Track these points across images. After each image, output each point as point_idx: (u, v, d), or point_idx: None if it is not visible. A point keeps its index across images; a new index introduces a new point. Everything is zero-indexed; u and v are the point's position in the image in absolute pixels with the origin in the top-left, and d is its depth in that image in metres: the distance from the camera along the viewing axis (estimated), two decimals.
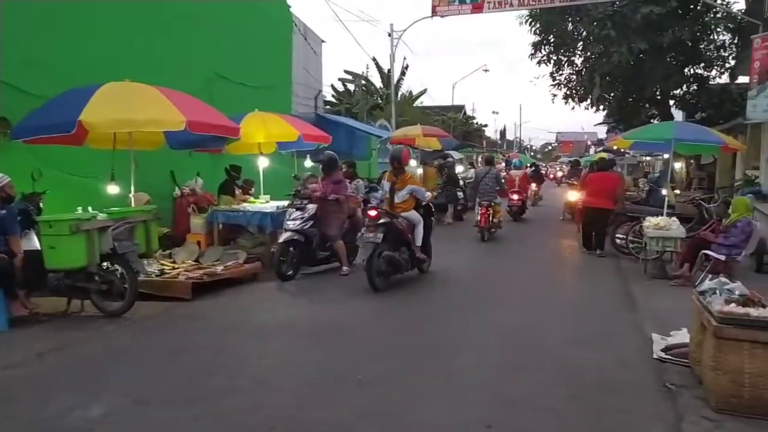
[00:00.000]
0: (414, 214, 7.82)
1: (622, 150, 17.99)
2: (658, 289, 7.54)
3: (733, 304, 3.87)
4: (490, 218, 11.75)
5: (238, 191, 9.63)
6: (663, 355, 4.81)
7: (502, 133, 74.07)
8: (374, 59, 29.94)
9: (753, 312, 3.73)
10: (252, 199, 9.54)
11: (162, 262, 7.35)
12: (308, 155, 11.87)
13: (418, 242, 7.81)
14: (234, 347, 5.20)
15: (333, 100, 29.16)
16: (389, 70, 23.79)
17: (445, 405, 3.94)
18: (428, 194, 8.26)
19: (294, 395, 4.10)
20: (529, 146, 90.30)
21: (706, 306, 4.07)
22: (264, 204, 9.10)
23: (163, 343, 5.26)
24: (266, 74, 13.02)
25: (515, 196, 15.35)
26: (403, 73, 28.82)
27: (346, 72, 29.73)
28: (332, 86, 29.62)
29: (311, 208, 8.03)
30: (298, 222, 7.90)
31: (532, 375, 4.49)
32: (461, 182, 17.15)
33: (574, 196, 14.31)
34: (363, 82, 28.17)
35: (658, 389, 4.20)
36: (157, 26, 9.64)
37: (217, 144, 8.19)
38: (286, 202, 8.49)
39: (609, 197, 10.17)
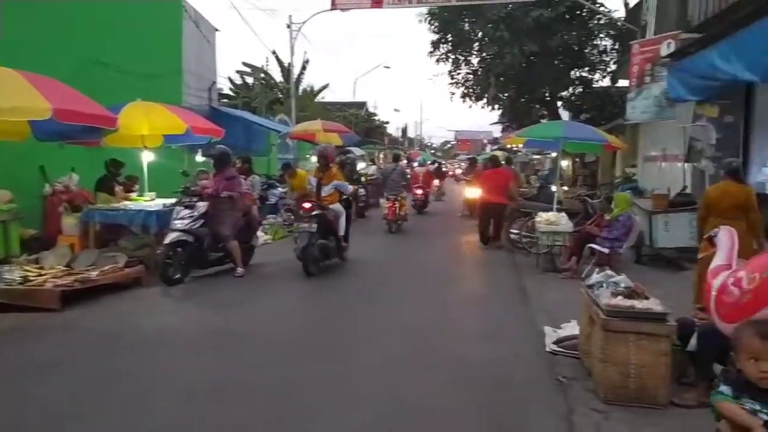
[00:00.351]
0: (338, 207, 8.57)
1: (514, 148, 18.79)
2: (549, 282, 7.81)
3: (619, 297, 3.97)
4: (397, 211, 12.54)
5: (118, 188, 8.84)
6: (555, 348, 4.91)
7: (404, 130, 75.23)
8: (274, 52, 29.17)
9: (638, 304, 3.85)
10: (135, 196, 8.80)
11: (26, 268, 6.52)
12: (199, 150, 11.20)
13: (342, 231, 8.56)
14: (108, 360, 4.66)
15: (231, 93, 28.09)
16: (289, 64, 23.24)
17: (342, 411, 3.73)
18: (351, 188, 8.95)
19: (175, 411, 3.71)
20: (429, 144, 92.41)
21: (594, 299, 4.16)
22: (149, 202, 8.41)
23: (22, 360, 4.62)
24: (154, 62, 12.13)
25: (419, 191, 16.42)
26: (303, 68, 28.31)
27: (245, 64, 28.75)
28: (230, 79, 28.54)
29: (201, 206, 7.52)
30: (186, 221, 7.37)
31: (431, 375, 4.39)
32: (363, 179, 17.11)
33: (471, 192, 14.80)
34: (262, 75, 27.33)
35: (551, 383, 4.25)
36: (24, 6, 8.62)
37: (93, 136, 7.40)
38: (173, 200, 7.89)
39: (502, 193, 10.60)
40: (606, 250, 7.74)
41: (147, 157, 9.11)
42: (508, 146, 16.90)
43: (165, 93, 11.26)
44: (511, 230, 10.57)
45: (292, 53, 21.88)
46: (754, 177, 9.05)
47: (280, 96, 26.79)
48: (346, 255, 8.85)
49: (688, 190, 9.06)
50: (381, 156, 30.48)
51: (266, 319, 5.94)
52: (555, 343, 4.99)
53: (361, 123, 37.59)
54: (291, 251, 8.00)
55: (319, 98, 31.85)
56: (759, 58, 5.87)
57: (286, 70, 26.98)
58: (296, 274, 7.76)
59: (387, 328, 5.64)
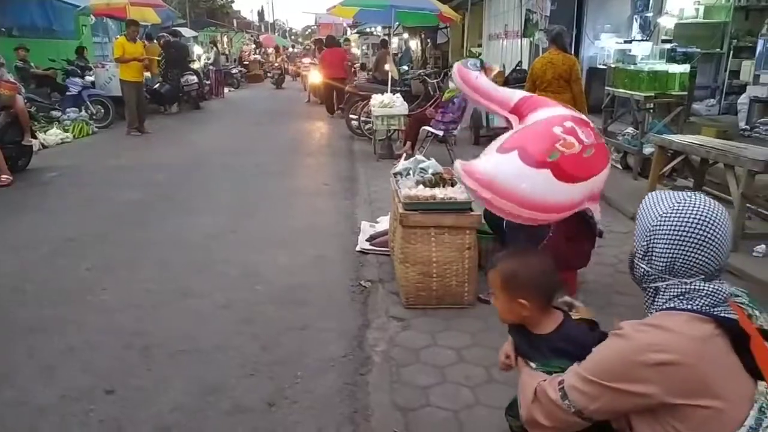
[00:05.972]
0: None
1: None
2: (383, 170, 7.16)
3: (420, 186, 3.36)
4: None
5: None
6: (367, 246, 4.33)
7: (260, 13, 69.57)
8: None
9: (439, 193, 3.26)
10: None
11: None
12: None
13: None
14: None
15: None
16: None
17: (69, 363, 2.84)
18: None
19: None
20: (288, 29, 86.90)
21: (396, 190, 3.53)
22: None
23: None
24: None
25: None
26: None
27: None
28: None
29: None
30: None
31: (202, 300, 3.51)
32: (198, 64, 15.20)
33: (314, 76, 13.96)
34: None
35: (352, 289, 3.65)
36: None
37: None
38: None
39: (340, 67, 11.75)
40: (440, 133, 7.25)
41: None
42: (340, 19, 17.47)
43: None
44: (351, 116, 9.79)
45: None
46: (586, 51, 8.92)
47: None
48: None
49: (524, 66, 8.74)
50: (225, 40, 27.53)
51: (28, 234, 4.71)
52: (368, 240, 4.41)
53: (202, 2, 33.65)
54: (91, 153, 6.57)
55: None
56: None
57: None
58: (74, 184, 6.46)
59: (182, 236, 4.71)
